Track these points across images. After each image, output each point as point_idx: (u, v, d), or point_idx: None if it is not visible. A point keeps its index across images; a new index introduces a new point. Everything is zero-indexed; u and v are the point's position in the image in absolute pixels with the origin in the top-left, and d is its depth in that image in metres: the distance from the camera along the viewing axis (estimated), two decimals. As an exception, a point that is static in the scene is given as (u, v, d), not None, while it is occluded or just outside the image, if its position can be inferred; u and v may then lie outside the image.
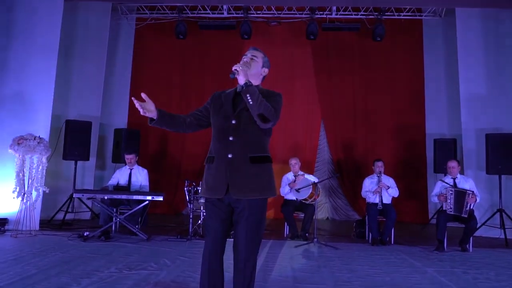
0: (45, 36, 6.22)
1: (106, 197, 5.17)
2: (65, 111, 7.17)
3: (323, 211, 8.29)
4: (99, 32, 7.73)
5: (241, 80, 2.16)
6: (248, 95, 2.12)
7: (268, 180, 2.27)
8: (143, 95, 2.21)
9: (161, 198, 5.21)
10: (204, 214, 5.12)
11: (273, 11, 8.36)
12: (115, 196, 5.19)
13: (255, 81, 2.34)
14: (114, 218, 5.37)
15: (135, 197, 5.20)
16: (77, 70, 7.45)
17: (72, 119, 6.81)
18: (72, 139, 6.64)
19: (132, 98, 2.18)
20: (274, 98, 2.28)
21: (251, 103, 2.12)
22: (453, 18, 7.44)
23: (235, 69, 2.18)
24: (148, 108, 2.20)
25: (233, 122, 2.24)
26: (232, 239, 2.23)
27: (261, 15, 8.42)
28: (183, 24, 8.26)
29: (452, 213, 5.07)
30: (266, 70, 2.43)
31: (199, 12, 8.43)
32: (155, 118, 2.25)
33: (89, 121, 6.88)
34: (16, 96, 6.05)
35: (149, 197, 5.19)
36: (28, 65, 6.12)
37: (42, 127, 5.94)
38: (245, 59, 2.34)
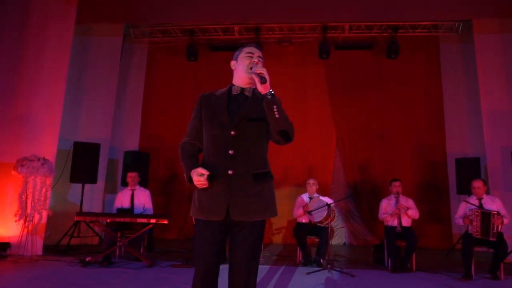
0: (55, 59, 6.22)
1: (108, 220, 4.96)
2: (74, 134, 7.11)
3: (340, 236, 7.88)
4: (111, 54, 7.77)
5: (266, 89, 1.87)
6: (275, 107, 1.85)
7: (271, 199, 2.01)
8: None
9: (165, 221, 4.95)
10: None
11: (284, 31, 8.27)
12: (117, 219, 4.97)
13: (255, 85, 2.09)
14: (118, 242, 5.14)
15: (139, 220, 4.97)
16: (88, 92, 7.45)
17: (80, 141, 6.72)
18: (80, 161, 6.53)
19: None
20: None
21: (277, 116, 1.85)
22: (470, 33, 7.18)
23: (262, 73, 1.87)
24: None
25: (232, 133, 1.96)
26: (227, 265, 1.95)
27: (272, 35, 8.34)
28: (195, 46, 8.24)
29: (478, 236, 4.65)
30: None
31: (211, 34, 8.41)
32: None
33: (98, 143, 6.79)
34: (24, 119, 6.01)
35: (153, 220, 4.95)
36: (37, 87, 6.10)
37: (49, 149, 5.85)
38: (259, 64, 2.04)
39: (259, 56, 2.10)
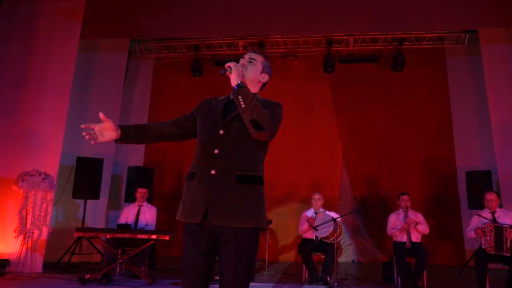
0: (59, 74, 6.23)
1: (108, 236, 4.84)
2: (79, 149, 7.06)
3: (348, 254, 7.65)
4: (116, 70, 7.79)
5: (234, 81, 1.84)
6: (240, 97, 1.79)
7: (257, 206, 1.85)
8: (101, 115, 1.89)
9: (167, 237, 4.83)
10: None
11: (289, 45, 8.25)
12: (118, 235, 4.86)
13: (252, 88, 2.01)
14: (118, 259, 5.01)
15: (140, 236, 4.85)
16: (92, 107, 7.43)
17: (83, 157, 6.67)
18: (83, 177, 6.47)
19: (82, 126, 1.87)
20: (272, 107, 1.93)
21: (243, 106, 1.78)
22: (477, 45, 7.08)
23: (228, 66, 1.86)
24: (106, 133, 1.89)
25: (221, 132, 1.89)
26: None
27: (276, 50, 8.32)
28: (199, 61, 8.24)
29: (492, 252, 4.44)
30: (267, 76, 2.10)
31: (215, 49, 8.42)
32: (117, 138, 1.93)
33: (101, 159, 6.73)
34: (27, 134, 5.99)
35: (154, 236, 4.82)
36: (42, 103, 6.10)
37: (51, 164, 5.80)
38: (241, 61, 2.02)
39: (250, 58, 2.05)
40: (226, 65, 1.89)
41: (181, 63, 8.67)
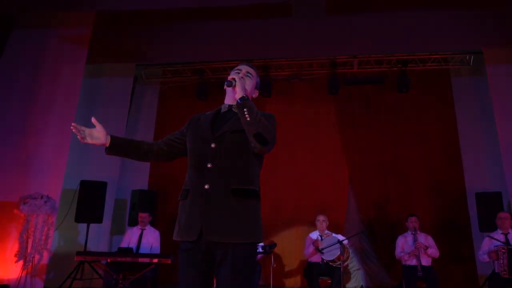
0: (65, 99, 6.26)
1: (109, 260, 4.74)
2: (83, 173, 7.04)
3: (356, 279, 7.40)
4: (122, 94, 7.87)
5: (239, 94, 1.83)
6: (245, 110, 1.77)
7: (253, 221, 1.80)
8: (93, 119, 1.91)
9: (168, 261, 4.72)
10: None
11: (293, 68, 8.29)
12: (118, 259, 4.75)
13: None
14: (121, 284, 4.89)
15: (141, 259, 4.74)
16: (97, 131, 7.46)
17: (87, 180, 6.65)
18: (86, 200, 6.42)
19: (72, 124, 1.87)
20: (269, 119, 1.90)
21: (248, 119, 1.76)
22: (482, 65, 7.06)
23: (232, 78, 1.88)
24: (96, 135, 1.89)
25: (213, 146, 1.85)
26: None
27: (281, 73, 8.37)
28: (205, 85, 8.31)
29: (506, 276, 4.26)
30: (257, 92, 2.10)
31: (221, 73, 8.49)
32: (106, 145, 1.93)
33: (105, 182, 6.70)
34: (31, 158, 5.98)
35: (155, 260, 4.71)
36: (46, 127, 6.13)
37: (54, 188, 5.77)
38: (240, 75, 2.00)
39: (247, 72, 2.03)
40: (230, 77, 1.91)
41: (187, 87, 8.75)
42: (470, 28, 6.20)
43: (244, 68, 2.06)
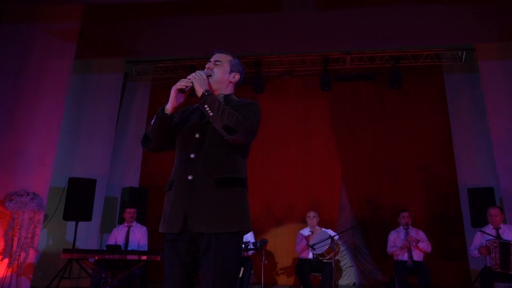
0: (52, 95, 6.14)
1: (96, 258, 4.65)
2: (71, 171, 6.93)
3: (349, 276, 7.38)
4: (111, 90, 7.75)
5: (198, 92, 1.81)
6: (206, 106, 1.75)
7: (240, 209, 1.75)
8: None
9: (157, 258, 4.63)
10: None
11: (285, 65, 8.23)
12: (106, 257, 4.66)
13: (225, 90, 1.95)
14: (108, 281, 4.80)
15: (129, 257, 4.65)
16: (87, 128, 7.36)
17: (75, 177, 6.53)
18: (75, 198, 6.31)
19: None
20: (248, 106, 1.86)
21: (211, 114, 1.74)
22: (474, 62, 7.05)
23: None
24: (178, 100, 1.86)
25: (197, 136, 1.82)
26: None
27: (273, 69, 8.30)
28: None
29: (498, 270, 4.23)
30: (238, 75, 2.04)
31: (212, 69, 8.40)
32: (169, 113, 1.88)
33: (94, 179, 6.59)
34: (18, 155, 5.86)
35: (144, 257, 4.62)
36: (34, 122, 6.01)
37: (41, 185, 5.66)
38: (207, 66, 2.00)
39: (215, 60, 2.00)
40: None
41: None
42: (463, 23, 6.18)
43: (213, 58, 2.04)
